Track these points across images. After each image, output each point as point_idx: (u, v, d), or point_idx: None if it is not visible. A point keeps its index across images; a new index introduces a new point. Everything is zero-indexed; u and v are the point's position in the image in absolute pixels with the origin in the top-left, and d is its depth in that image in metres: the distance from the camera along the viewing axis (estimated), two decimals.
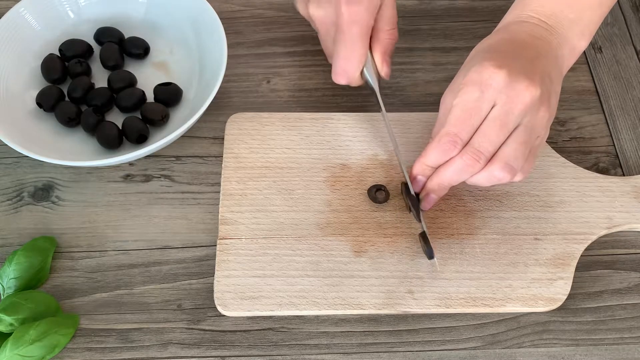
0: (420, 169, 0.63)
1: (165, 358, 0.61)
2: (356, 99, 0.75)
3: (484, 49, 0.62)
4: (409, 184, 0.64)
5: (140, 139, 0.70)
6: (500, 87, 0.58)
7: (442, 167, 0.61)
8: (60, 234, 0.67)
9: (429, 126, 0.69)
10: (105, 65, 0.75)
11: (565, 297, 0.63)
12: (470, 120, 0.59)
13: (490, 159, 0.59)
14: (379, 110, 0.69)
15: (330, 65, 0.76)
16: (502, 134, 0.58)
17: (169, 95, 0.72)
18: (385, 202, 0.67)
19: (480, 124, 0.59)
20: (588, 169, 0.71)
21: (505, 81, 0.57)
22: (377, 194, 0.67)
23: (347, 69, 0.67)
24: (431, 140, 0.61)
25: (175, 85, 0.73)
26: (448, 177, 0.61)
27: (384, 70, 0.69)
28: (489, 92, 0.58)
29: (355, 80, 0.69)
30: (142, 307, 0.63)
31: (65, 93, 0.73)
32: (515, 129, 0.59)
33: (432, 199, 0.63)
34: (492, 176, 0.60)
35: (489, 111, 0.58)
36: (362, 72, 0.68)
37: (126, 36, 0.76)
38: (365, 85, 0.70)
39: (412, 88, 0.76)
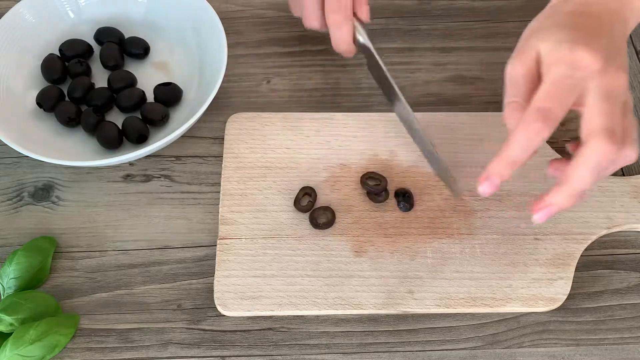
0: (501, 166, 0.53)
1: (165, 358, 0.61)
2: (356, 99, 0.75)
3: (562, 22, 0.57)
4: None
5: (141, 139, 0.70)
6: (594, 72, 0.53)
7: (570, 171, 0.53)
8: (60, 234, 0.67)
9: (429, 127, 0.69)
10: (105, 65, 0.75)
11: (565, 297, 0.63)
12: (564, 96, 0.52)
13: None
14: (378, 110, 0.69)
15: (329, 65, 0.76)
16: (616, 107, 0.53)
17: (169, 95, 0.72)
18: (385, 202, 0.67)
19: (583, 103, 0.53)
20: None
21: (600, 67, 0.53)
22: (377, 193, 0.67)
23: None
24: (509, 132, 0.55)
25: (175, 85, 0.73)
26: (584, 177, 0.52)
27: (363, 14, 0.67)
28: (580, 73, 0.53)
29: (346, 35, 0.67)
30: (142, 307, 0.63)
31: (65, 93, 0.73)
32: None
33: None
34: (622, 156, 0.53)
35: (580, 92, 0.53)
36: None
37: (126, 36, 0.76)
38: (359, 50, 0.69)
39: (412, 88, 0.76)
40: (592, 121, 0.52)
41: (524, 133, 0.52)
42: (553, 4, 0.60)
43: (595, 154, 0.52)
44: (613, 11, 0.59)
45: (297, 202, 0.67)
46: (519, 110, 0.53)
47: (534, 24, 0.58)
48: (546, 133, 0.52)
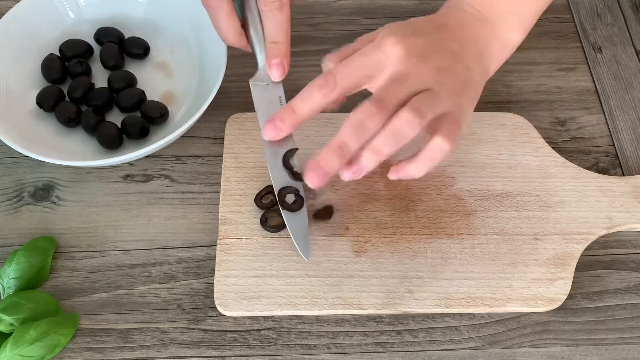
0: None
1: (165, 358, 0.61)
2: (356, 99, 0.75)
3: (411, 25, 0.62)
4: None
5: (143, 132, 0.70)
6: (395, 58, 0.57)
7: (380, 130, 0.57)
8: (60, 234, 0.67)
9: None
10: (105, 65, 0.75)
11: (565, 297, 0.63)
12: (354, 69, 0.59)
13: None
14: None
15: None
16: (404, 88, 0.57)
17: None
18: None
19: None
20: (588, 169, 0.71)
21: (400, 55, 0.57)
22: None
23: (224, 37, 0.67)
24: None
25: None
26: (384, 140, 0.56)
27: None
28: (380, 54, 0.58)
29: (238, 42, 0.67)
30: (142, 307, 0.63)
31: (66, 93, 0.73)
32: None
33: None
34: (403, 123, 0.56)
35: (373, 72, 0.58)
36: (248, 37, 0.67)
37: (126, 36, 0.76)
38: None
39: None
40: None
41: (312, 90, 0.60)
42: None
43: (398, 121, 0.56)
44: (473, 30, 0.62)
45: (257, 199, 0.67)
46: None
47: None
48: (326, 92, 0.58)
